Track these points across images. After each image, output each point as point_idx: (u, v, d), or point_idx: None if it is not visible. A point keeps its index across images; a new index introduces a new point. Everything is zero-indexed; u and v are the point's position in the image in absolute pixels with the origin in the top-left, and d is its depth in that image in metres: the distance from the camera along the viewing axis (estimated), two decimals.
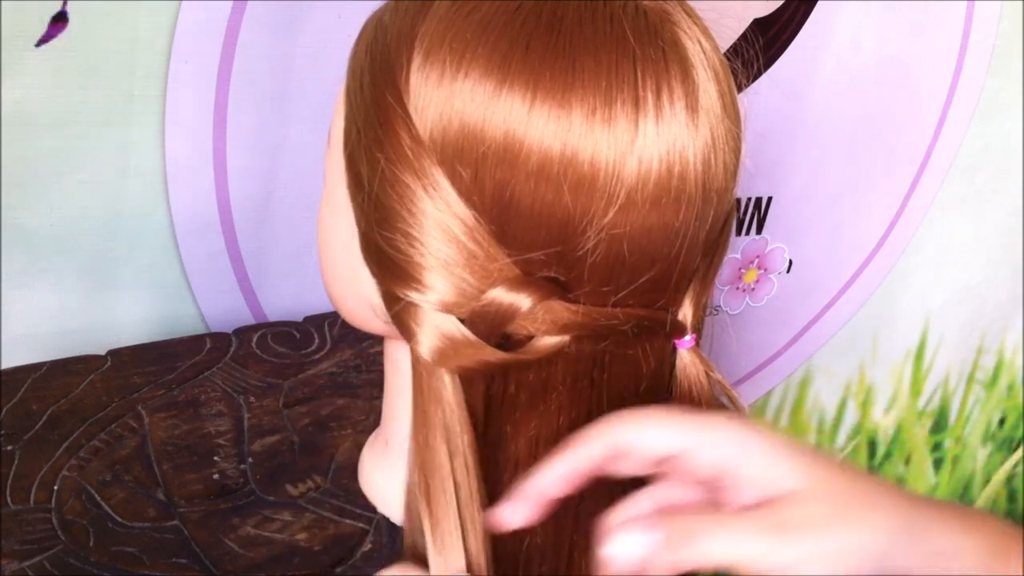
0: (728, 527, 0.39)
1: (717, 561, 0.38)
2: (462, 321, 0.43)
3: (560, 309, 0.43)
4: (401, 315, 0.45)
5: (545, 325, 0.44)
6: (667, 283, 0.46)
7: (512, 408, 0.46)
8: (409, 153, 0.43)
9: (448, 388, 0.43)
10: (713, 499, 0.42)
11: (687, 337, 0.48)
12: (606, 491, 0.47)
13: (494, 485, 0.45)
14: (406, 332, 0.45)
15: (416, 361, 0.45)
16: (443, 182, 0.42)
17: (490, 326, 0.43)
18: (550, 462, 0.42)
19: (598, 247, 0.43)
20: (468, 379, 0.44)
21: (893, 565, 0.39)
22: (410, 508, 0.45)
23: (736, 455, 0.40)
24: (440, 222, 0.42)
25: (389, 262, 0.44)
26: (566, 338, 0.44)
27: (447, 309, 0.43)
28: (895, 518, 0.40)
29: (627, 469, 0.42)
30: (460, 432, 0.43)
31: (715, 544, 0.38)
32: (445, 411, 0.44)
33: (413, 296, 0.44)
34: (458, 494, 0.43)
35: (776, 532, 0.38)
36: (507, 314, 0.43)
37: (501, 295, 0.43)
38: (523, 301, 0.43)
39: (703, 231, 0.45)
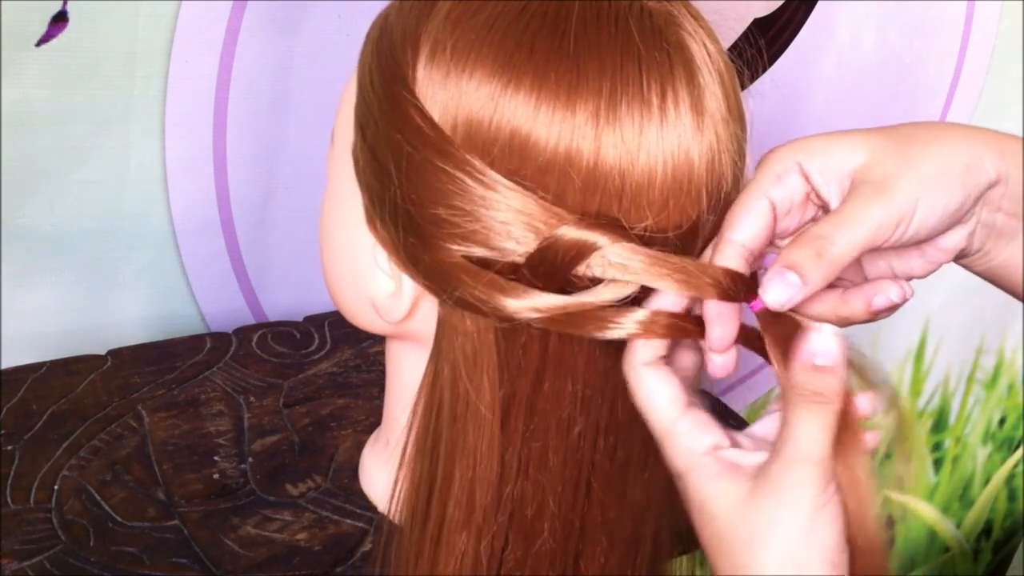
0: (843, 213, 0.41)
1: (860, 244, 0.41)
2: (522, 264, 0.42)
3: (632, 253, 0.41)
4: (458, 299, 0.43)
5: (612, 269, 0.42)
6: None
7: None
8: (431, 134, 0.42)
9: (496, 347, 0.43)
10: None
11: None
12: (613, 499, 0.47)
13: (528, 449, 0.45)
14: (471, 308, 0.43)
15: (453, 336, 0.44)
16: (468, 157, 0.42)
17: (554, 266, 0.42)
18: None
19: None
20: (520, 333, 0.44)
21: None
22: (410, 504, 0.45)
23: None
24: (478, 191, 0.42)
25: (443, 236, 0.43)
26: (636, 286, 0.42)
27: (514, 259, 0.42)
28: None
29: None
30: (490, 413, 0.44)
31: (845, 233, 0.40)
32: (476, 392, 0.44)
33: (479, 253, 0.42)
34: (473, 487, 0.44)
35: (880, 192, 0.41)
36: (580, 251, 0.41)
37: (570, 232, 0.41)
38: (599, 239, 0.41)
39: (709, 234, 0.45)
